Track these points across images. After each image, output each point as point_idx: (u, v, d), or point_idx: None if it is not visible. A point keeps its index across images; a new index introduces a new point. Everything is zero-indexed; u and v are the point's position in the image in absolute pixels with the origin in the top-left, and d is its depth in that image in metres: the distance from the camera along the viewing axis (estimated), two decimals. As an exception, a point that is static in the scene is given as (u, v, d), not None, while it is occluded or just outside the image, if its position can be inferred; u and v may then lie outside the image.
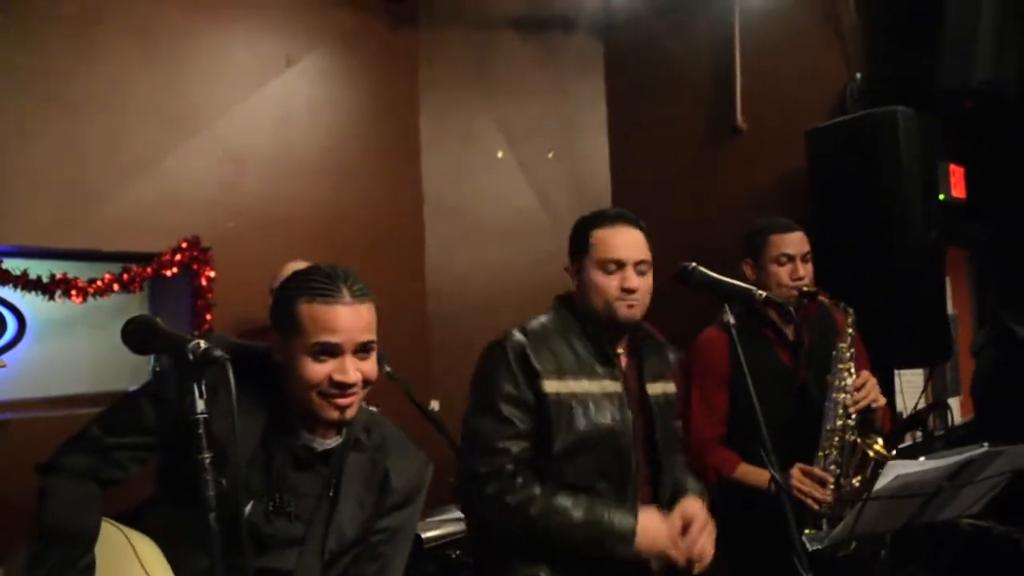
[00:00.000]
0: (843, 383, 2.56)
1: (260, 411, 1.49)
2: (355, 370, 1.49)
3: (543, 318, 2.09)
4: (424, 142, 4.88)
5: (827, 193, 3.71)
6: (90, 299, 3.66)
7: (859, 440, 2.50)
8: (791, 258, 2.65)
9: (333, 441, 1.58)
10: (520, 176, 5.00)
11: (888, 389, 3.38)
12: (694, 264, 1.92)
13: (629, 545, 1.82)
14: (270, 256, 4.05)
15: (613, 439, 1.95)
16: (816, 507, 2.47)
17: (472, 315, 4.81)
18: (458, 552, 2.80)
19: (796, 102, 4.12)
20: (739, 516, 2.49)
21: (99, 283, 3.57)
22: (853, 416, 2.56)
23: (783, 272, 2.65)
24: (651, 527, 1.86)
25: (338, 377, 1.47)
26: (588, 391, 1.95)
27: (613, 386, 2.01)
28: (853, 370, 2.58)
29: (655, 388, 2.12)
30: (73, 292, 3.49)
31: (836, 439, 2.55)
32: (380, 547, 1.61)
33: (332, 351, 1.47)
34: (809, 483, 2.48)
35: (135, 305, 4.17)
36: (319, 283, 1.52)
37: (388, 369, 2.97)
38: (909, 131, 3.54)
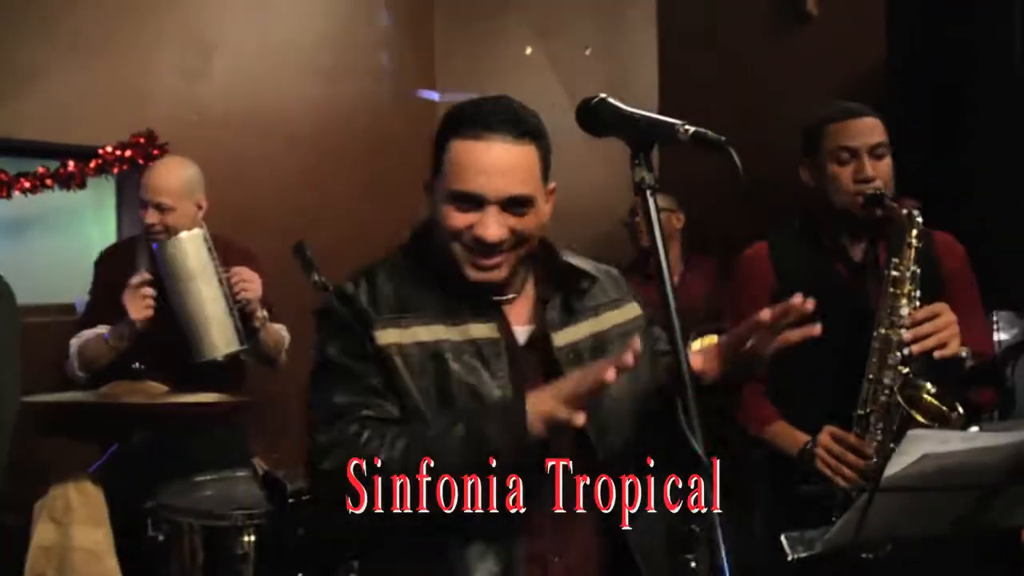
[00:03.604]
0: (895, 315, 1.89)
1: None
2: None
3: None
4: (439, 35, 4.34)
5: (911, 91, 2.99)
6: (49, 199, 3.30)
7: (899, 398, 1.79)
8: (854, 153, 2.01)
9: None
10: (551, 76, 4.37)
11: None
12: (601, 96, 1.27)
13: (521, 418, 1.27)
14: (243, 159, 3.69)
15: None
16: (844, 485, 1.88)
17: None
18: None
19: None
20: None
21: (28, 179, 3.13)
22: (905, 361, 1.87)
23: (844, 173, 2.02)
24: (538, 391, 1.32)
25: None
26: (448, 339, 1.43)
27: (485, 331, 1.45)
28: (917, 297, 1.90)
29: (576, 333, 1.51)
30: (-2, 187, 3.06)
31: (882, 393, 1.89)
32: None
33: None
34: (839, 452, 1.88)
35: (97, 206, 3.78)
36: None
37: (317, 278, 2.48)
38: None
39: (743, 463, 2.89)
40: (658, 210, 1.18)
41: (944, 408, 1.83)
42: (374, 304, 1.42)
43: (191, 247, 2.58)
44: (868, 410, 1.90)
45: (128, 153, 3.35)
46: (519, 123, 1.39)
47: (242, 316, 2.63)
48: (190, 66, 3.64)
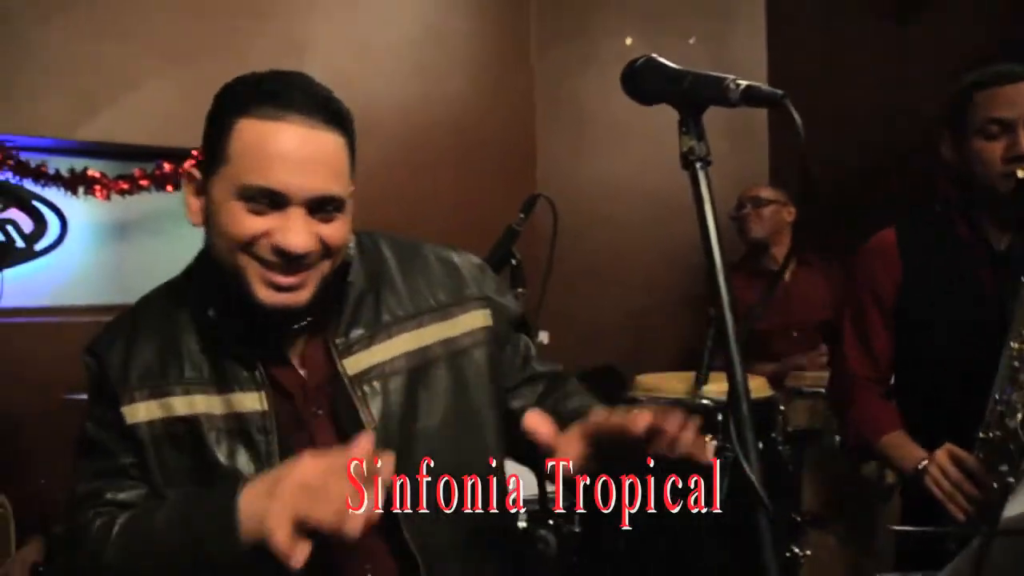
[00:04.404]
0: None
1: None
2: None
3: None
4: (535, 28, 4.17)
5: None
6: (150, 202, 3.37)
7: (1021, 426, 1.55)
8: (1007, 125, 1.69)
9: None
10: (653, 70, 4.16)
11: None
12: (647, 56, 1.06)
13: (231, 521, 0.98)
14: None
15: None
16: (959, 514, 1.64)
17: (592, 236, 4.10)
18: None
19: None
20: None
21: (125, 181, 3.22)
22: None
23: (992, 148, 1.71)
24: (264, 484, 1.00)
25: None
26: (209, 412, 1.13)
27: (252, 402, 1.13)
28: None
29: (377, 353, 1.18)
30: (97, 189, 3.15)
31: (1009, 416, 1.64)
32: None
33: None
34: (956, 476, 1.65)
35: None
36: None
37: None
38: None
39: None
40: (711, 186, 0.99)
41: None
42: (125, 367, 1.14)
43: None
44: (992, 434, 1.63)
45: (221, 155, 3.39)
46: (328, 104, 1.11)
47: None
48: (282, 67, 3.63)
